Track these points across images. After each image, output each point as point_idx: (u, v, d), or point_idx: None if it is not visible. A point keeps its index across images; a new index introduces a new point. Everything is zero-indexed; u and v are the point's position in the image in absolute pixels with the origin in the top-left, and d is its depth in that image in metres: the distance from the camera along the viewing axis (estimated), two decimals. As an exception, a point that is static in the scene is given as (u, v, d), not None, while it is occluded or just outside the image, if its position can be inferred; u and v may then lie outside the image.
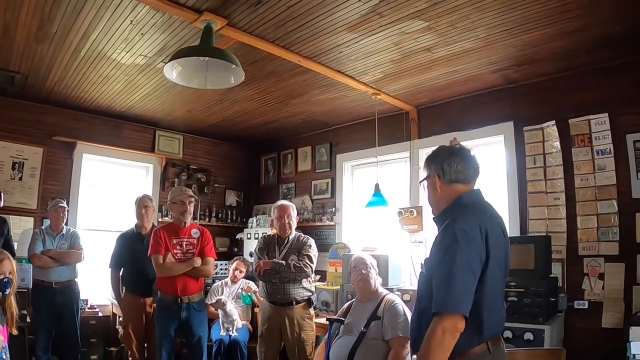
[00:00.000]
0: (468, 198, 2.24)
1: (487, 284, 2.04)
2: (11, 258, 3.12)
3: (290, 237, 4.72)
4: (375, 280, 4.08)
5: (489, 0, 3.46)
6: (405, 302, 4.31)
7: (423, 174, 2.39)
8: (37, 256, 4.96)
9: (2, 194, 1.62)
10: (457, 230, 2.04)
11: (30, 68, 4.95)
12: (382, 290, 4.09)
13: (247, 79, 4.64)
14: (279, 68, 4.83)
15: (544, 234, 4.55)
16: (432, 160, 2.33)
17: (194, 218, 6.71)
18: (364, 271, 4.05)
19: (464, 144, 5.08)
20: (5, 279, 3.00)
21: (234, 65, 3.64)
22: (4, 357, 2.82)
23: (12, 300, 3.09)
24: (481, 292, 2.01)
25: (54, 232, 5.18)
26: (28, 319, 5.07)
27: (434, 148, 2.44)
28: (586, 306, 4.32)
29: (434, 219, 2.37)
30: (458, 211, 2.16)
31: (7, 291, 3.02)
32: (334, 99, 5.81)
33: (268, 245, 4.75)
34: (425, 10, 3.61)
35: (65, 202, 5.35)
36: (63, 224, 5.25)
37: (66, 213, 5.27)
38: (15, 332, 3.12)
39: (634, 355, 2.68)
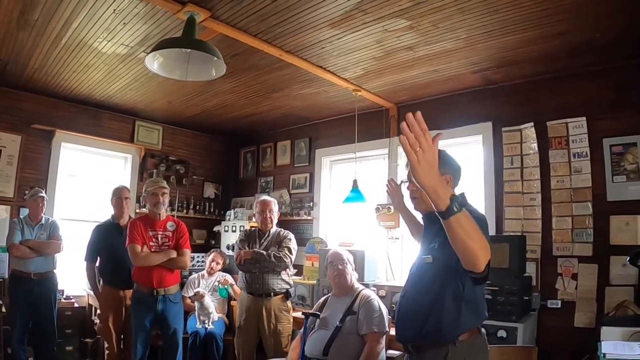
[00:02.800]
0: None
1: None
2: None
3: (271, 231, 4.80)
4: (352, 276, 4.11)
5: (472, 2, 3.49)
6: (381, 297, 4.35)
7: None
8: (16, 246, 4.91)
9: None
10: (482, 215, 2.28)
11: (11, 55, 4.87)
12: (358, 285, 4.13)
13: (229, 72, 4.63)
14: (261, 62, 4.82)
15: (519, 234, 4.61)
16: (446, 163, 2.42)
17: (172, 210, 6.72)
18: (340, 266, 4.08)
19: (443, 142, 5.16)
20: None
21: (215, 58, 3.63)
22: None
23: None
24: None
25: (33, 222, 5.12)
26: (3, 309, 5.01)
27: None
28: (559, 305, 4.39)
29: (423, 217, 2.48)
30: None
31: None
32: (314, 94, 5.82)
33: (249, 238, 4.83)
34: (409, 9, 3.63)
35: (44, 192, 5.30)
36: (42, 214, 5.19)
37: (45, 203, 5.22)
38: None
39: (604, 354, 2.73)
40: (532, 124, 4.73)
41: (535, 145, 4.69)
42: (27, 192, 5.47)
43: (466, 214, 1.79)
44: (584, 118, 4.44)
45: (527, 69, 4.65)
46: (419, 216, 2.84)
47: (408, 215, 3.09)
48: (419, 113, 1.65)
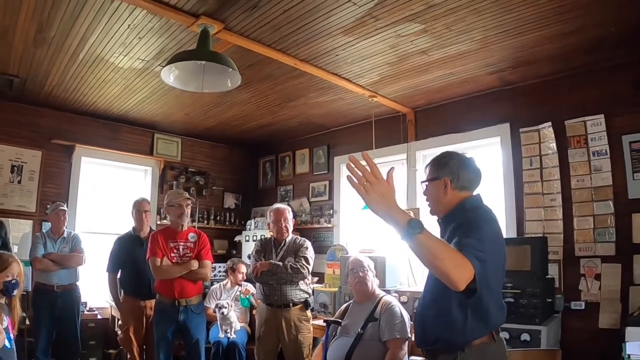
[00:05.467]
0: (471, 202, 2.36)
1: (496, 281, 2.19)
2: (19, 262, 3.19)
3: (287, 239, 4.73)
4: (373, 282, 4.10)
5: (485, 2, 3.47)
6: (403, 303, 4.33)
7: (428, 175, 2.45)
8: (39, 259, 4.96)
9: None
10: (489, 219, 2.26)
11: (29, 72, 4.97)
12: (379, 291, 4.11)
13: (244, 82, 4.69)
14: (276, 71, 4.85)
15: (541, 235, 4.56)
16: (445, 166, 2.40)
17: (193, 221, 6.75)
18: (360, 273, 4.08)
19: (461, 145, 5.16)
20: (13, 281, 3.07)
21: (230, 69, 3.66)
22: (11, 347, 2.86)
23: (17, 303, 3.15)
24: (490, 287, 2.10)
25: (55, 235, 5.17)
26: (27, 322, 5.08)
27: (438, 151, 2.57)
28: (583, 307, 4.33)
29: (438, 220, 2.45)
30: (470, 214, 2.27)
31: (14, 292, 3.09)
32: (330, 102, 5.83)
33: (265, 248, 4.76)
34: (421, 13, 3.62)
35: (65, 206, 5.35)
36: (64, 227, 5.25)
37: (67, 216, 5.28)
38: (14, 332, 3.17)
39: (629, 355, 2.69)
40: (550, 123, 4.68)
41: (554, 145, 4.65)
42: (48, 206, 5.53)
43: (428, 235, 1.83)
44: (602, 115, 4.38)
45: (543, 68, 4.61)
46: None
47: None
48: (364, 153, 1.90)
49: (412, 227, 1.80)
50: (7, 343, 2.83)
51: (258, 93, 5.53)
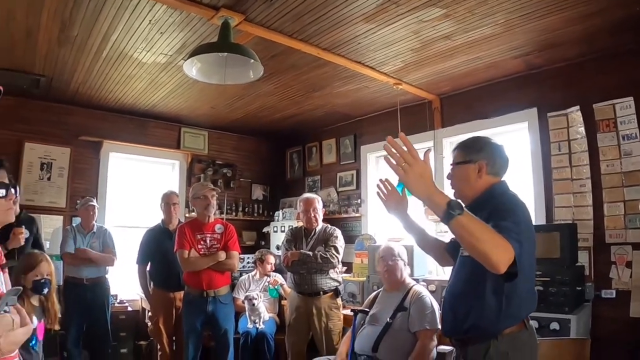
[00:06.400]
0: (499, 188, 2.34)
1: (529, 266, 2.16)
2: (50, 260, 3.24)
3: (317, 228, 4.79)
4: (403, 271, 4.05)
5: (506, -16, 3.40)
6: (431, 292, 4.29)
7: (459, 158, 2.41)
8: (69, 255, 5.07)
9: (17, 187, 1.63)
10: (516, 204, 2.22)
11: (54, 71, 5.05)
12: (409, 280, 4.07)
13: (268, 73, 4.69)
14: (299, 61, 4.83)
15: (570, 222, 4.47)
16: (481, 149, 2.38)
17: (221, 213, 6.80)
18: (390, 262, 4.04)
19: (488, 131, 5.08)
20: (43, 280, 3.11)
21: (252, 60, 3.66)
22: (37, 349, 2.90)
23: (54, 299, 3.23)
24: (525, 273, 2.06)
25: (85, 230, 5.28)
26: (59, 314, 5.18)
27: (469, 136, 2.54)
28: (614, 295, 4.22)
29: (465, 207, 2.39)
30: (502, 198, 2.25)
31: (45, 291, 3.15)
32: (355, 91, 5.79)
33: (295, 237, 4.84)
34: (442, -3, 3.57)
35: (95, 201, 5.44)
36: (93, 222, 5.34)
37: (96, 211, 5.37)
38: (57, 327, 3.28)
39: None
40: (577, 107, 4.56)
41: (583, 129, 4.53)
42: (78, 201, 5.62)
43: (469, 216, 1.83)
44: (631, 98, 4.24)
45: (569, 51, 4.49)
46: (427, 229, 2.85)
47: (411, 225, 2.75)
48: (401, 134, 1.87)
49: (452, 208, 1.81)
50: (34, 345, 2.86)
51: (282, 84, 5.52)
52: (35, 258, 3.22)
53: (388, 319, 3.81)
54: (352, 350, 3.86)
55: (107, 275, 5.35)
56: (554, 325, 3.65)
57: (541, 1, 3.60)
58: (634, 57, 4.28)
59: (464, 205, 1.82)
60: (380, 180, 2.74)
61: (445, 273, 5.37)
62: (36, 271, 3.14)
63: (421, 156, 1.85)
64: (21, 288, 1.69)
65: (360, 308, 4.11)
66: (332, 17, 3.91)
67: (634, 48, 4.26)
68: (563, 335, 3.59)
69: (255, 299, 5.51)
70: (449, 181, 2.48)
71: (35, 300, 3.14)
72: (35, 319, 2.91)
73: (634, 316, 4.08)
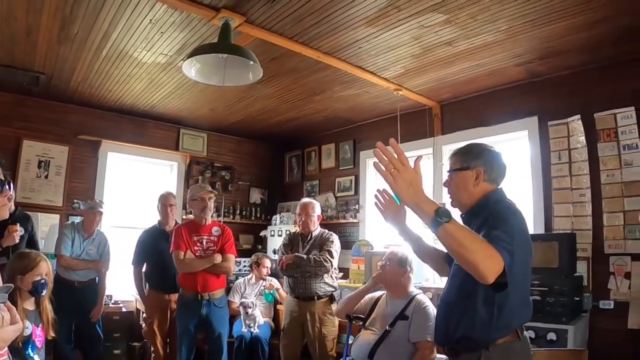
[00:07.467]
0: (496, 196, 2.31)
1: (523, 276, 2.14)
2: (47, 260, 3.13)
3: (314, 233, 4.80)
4: (407, 279, 3.95)
5: (510, -9, 3.38)
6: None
7: (456, 164, 2.38)
8: (64, 259, 4.99)
9: (11, 183, 1.60)
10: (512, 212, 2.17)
11: (54, 69, 5.02)
12: (412, 289, 3.96)
13: (268, 76, 4.68)
14: (300, 65, 4.81)
15: (569, 232, 4.44)
16: (478, 156, 2.35)
17: (218, 215, 6.77)
18: (388, 267, 3.95)
19: (488, 139, 5.05)
20: (42, 280, 3.00)
21: (251, 62, 3.63)
22: (33, 357, 2.82)
23: (47, 304, 3.08)
24: (518, 283, 2.04)
25: (86, 233, 5.17)
26: (52, 321, 5.11)
27: (467, 143, 2.51)
28: (612, 306, 4.19)
29: (461, 215, 2.38)
30: (497, 206, 2.20)
31: (44, 292, 3.02)
32: (355, 96, 5.77)
33: (292, 242, 4.88)
34: (444, 2, 3.54)
35: (103, 206, 5.32)
36: (97, 228, 5.28)
37: (102, 218, 5.30)
38: (52, 335, 3.11)
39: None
40: (579, 116, 4.54)
41: (583, 138, 4.50)
42: (76, 200, 5.59)
43: (457, 225, 1.81)
44: (633, 108, 4.21)
45: (571, 59, 4.47)
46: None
47: (409, 235, 2.71)
48: (392, 140, 1.85)
49: (440, 215, 1.78)
50: (30, 352, 2.80)
51: (282, 87, 5.50)
52: (33, 258, 3.05)
53: (387, 327, 3.73)
54: (346, 356, 3.82)
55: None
56: (551, 336, 3.62)
57: (545, 8, 3.57)
58: (637, 67, 4.27)
59: (451, 213, 1.80)
60: (378, 190, 2.70)
61: (442, 281, 5.34)
62: (36, 271, 2.99)
63: (412, 163, 1.83)
64: (12, 286, 1.64)
65: (355, 315, 4.05)
66: (334, 21, 3.89)
67: (637, 57, 4.24)
68: (560, 345, 3.56)
69: (251, 307, 5.49)
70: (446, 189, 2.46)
71: (29, 304, 2.99)
72: (28, 323, 2.84)
73: (632, 328, 4.05)
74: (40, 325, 3.01)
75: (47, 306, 3.09)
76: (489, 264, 1.79)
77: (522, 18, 3.74)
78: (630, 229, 4.18)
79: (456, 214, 2.34)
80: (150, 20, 3.92)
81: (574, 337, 3.62)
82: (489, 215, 2.13)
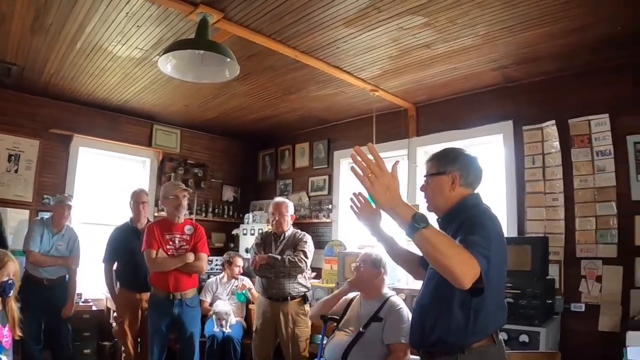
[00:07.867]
0: (472, 200, 2.31)
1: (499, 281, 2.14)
2: (15, 260, 3.06)
3: (287, 233, 4.76)
4: (380, 281, 3.94)
5: (490, -4, 3.40)
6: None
7: (433, 169, 2.37)
8: (33, 255, 4.86)
9: None
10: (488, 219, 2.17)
11: (27, 60, 4.90)
12: (386, 291, 3.94)
13: (244, 74, 4.63)
14: (277, 63, 4.78)
15: (542, 235, 4.50)
16: (454, 161, 2.34)
17: (190, 213, 6.70)
18: (362, 268, 3.93)
19: (463, 142, 5.09)
20: (10, 281, 2.95)
21: (228, 59, 3.59)
22: (1, 356, 2.77)
23: (13, 304, 3.02)
24: (494, 287, 2.03)
25: (55, 229, 5.05)
26: (17, 320, 4.99)
27: (439, 148, 2.51)
28: (583, 309, 4.27)
29: (438, 219, 2.37)
30: (473, 211, 2.21)
31: (11, 293, 2.96)
32: (332, 95, 5.76)
33: (265, 242, 4.81)
34: (425, 5, 3.55)
35: (72, 200, 5.21)
36: (66, 223, 5.18)
37: (71, 212, 5.19)
38: (18, 335, 3.05)
39: (630, 360, 2.63)
40: (553, 122, 4.60)
41: (557, 143, 4.57)
42: (45, 196, 5.46)
43: (433, 230, 1.81)
44: (607, 115, 4.30)
45: (547, 66, 4.53)
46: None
47: (382, 236, 2.72)
48: (369, 144, 1.89)
49: (416, 221, 1.77)
50: None
51: (258, 85, 5.46)
52: (1, 258, 3.02)
53: (361, 328, 3.71)
54: (320, 357, 3.81)
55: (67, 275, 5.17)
56: (524, 338, 3.66)
57: (523, 15, 3.62)
58: (612, 75, 4.34)
59: (428, 218, 1.79)
60: (354, 194, 2.69)
61: (415, 282, 5.35)
62: (4, 271, 2.92)
63: (389, 167, 1.83)
64: None
65: (330, 315, 4.03)
66: (313, 20, 3.87)
67: (612, 66, 4.32)
68: (532, 348, 3.60)
69: (224, 319, 5.45)
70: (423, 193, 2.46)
71: None
72: None
73: (603, 330, 4.13)
74: (7, 325, 2.95)
75: (14, 306, 3.03)
76: (465, 269, 1.79)
77: (500, 24, 3.78)
78: (601, 234, 4.25)
79: (432, 218, 2.34)
80: (127, 13, 3.84)
81: (546, 339, 3.66)
82: (465, 219, 2.13)
